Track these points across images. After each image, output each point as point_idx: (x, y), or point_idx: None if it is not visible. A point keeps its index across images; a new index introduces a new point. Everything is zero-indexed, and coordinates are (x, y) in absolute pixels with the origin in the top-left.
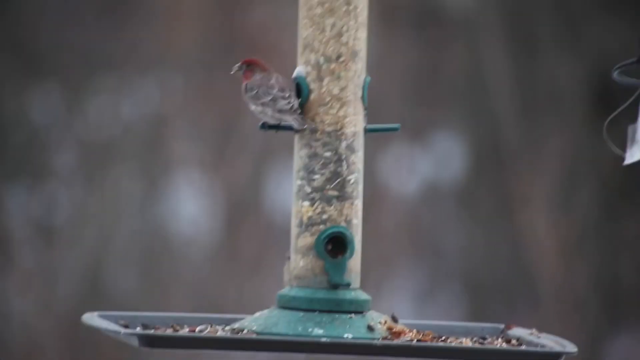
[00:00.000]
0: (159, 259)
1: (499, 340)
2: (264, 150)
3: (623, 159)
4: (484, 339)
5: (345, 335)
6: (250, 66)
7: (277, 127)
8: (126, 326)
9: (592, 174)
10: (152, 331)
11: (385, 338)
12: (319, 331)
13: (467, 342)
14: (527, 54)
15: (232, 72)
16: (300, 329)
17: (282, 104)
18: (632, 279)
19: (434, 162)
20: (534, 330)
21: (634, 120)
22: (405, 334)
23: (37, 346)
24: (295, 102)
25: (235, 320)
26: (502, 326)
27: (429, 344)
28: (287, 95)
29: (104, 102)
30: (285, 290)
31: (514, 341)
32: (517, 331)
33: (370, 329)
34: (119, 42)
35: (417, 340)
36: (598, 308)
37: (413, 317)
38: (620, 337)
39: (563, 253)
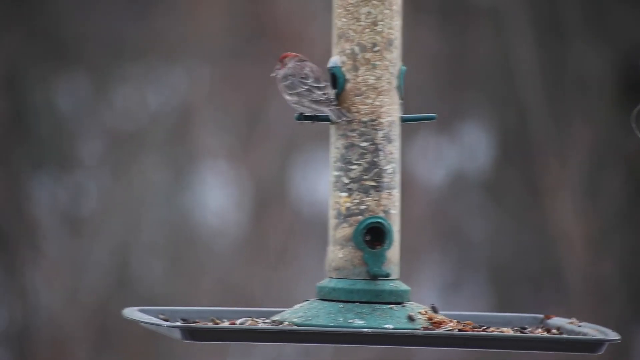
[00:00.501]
0: (186, 250)
1: (540, 329)
2: (291, 140)
3: None
4: (524, 328)
5: (386, 326)
6: (288, 57)
7: (313, 118)
8: (166, 320)
9: (619, 163)
10: (193, 324)
11: (426, 328)
12: (359, 322)
13: (507, 331)
14: (554, 41)
15: (273, 75)
16: (341, 320)
17: (317, 94)
18: None
19: (461, 151)
20: (573, 320)
21: None
22: (446, 324)
23: (64, 336)
24: (331, 93)
25: (273, 313)
26: (541, 316)
27: (470, 333)
28: (322, 85)
29: (131, 91)
30: (325, 282)
31: (554, 330)
32: (556, 321)
33: (410, 319)
34: (146, 31)
35: (458, 330)
36: (626, 298)
37: (441, 308)
38: None
39: (590, 242)
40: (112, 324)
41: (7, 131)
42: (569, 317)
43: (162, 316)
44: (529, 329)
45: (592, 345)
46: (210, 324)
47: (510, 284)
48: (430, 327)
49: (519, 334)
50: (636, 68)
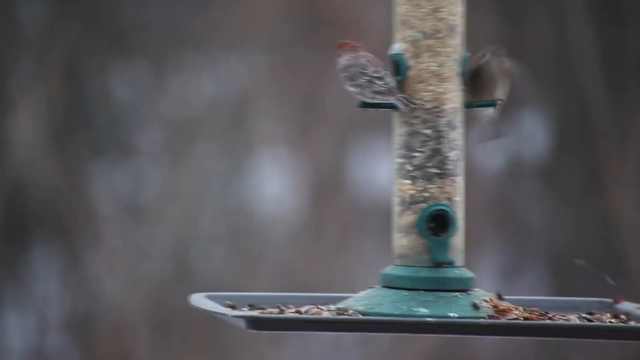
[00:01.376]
0: (246, 238)
1: (607, 315)
2: (349, 127)
3: None
4: (591, 314)
5: (451, 314)
6: (343, 48)
7: (376, 105)
8: (233, 307)
9: None
10: (258, 313)
11: (491, 316)
12: (423, 311)
13: (573, 319)
14: (613, 26)
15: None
16: (404, 308)
17: (378, 85)
18: None
19: (520, 138)
20: None
21: None
22: (511, 312)
23: (125, 324)
24: (391, 82)
25: (338, 299)
26: (609, 301)
27: (535, 322)
28: (382, 75)
29: (188, 80)
30: (389, 269)
31: (622, 316)
32: (625, 306)
33: (475, 307)
34: (203, 19)
35: (524, 319)
36: None
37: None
38: None
39: None
40: (173, 312)
41: (67, 120)
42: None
43: (229, 302)
44: (597, 315)
45: None
46: (275, 314)
47: (570, 272)
48: (495, 315)
49: (585, 322)
50: None
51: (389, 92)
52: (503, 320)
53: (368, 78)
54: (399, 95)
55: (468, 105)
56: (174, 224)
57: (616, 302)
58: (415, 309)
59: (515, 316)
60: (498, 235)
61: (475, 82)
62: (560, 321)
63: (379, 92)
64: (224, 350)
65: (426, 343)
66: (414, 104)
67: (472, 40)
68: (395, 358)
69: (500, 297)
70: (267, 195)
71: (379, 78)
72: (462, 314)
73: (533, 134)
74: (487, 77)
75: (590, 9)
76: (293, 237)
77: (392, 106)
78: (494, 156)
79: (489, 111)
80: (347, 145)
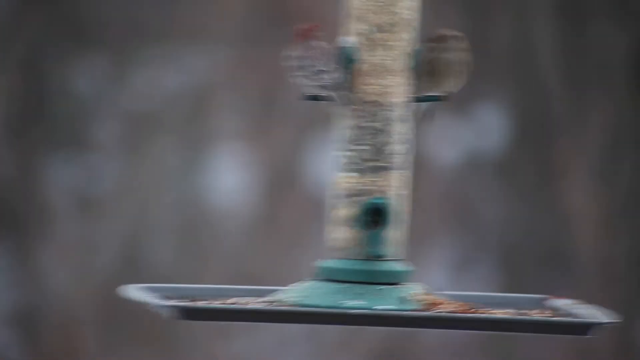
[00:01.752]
0: (199, 232)
1: (537, 311)
2: (306, 122)
3: None
4: (523, 310)
5: (380, 307)
6: (299, 35)
7: (318, 98)
8: (170, 299)
9: (635, 146)
10: (184, 303)
11: (420, 309)
12: (351, 303)
13: (498, 314)
14: (574, 24)
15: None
16: (332, 300)
17: (324, 78)
18: None
19: (477, 132)
20: (573, 301)
21: None
22: (440, 305)
23: (75, 318)
24: (339, 76)
25: (273, 291)
26: (542, 297)
27: (461, 314)
28: (330, 68)
29: (148, 73)
30: (323, 262)
31: (552, 312)
32: (557, 302)
33: (403, 300)
34: (164, 13)
35: (452, 311)
36: (636, 280)
37: (451, 289)
38: None
39: (604, 225)
40: (124, 306)
41: (25, 112)
42: (578, 299)
43: (166, 294)
44: (527, 311)
45: (581, 327)
46: (203, 303)
47: (523, 265)
48: (425, 308)
49: (508, 315)
50: None
51: (333, 86)
52: (426, 313)
53: (316, 70)
54: (343, 91)
55: (419, 100)
56: (128, 218)
57: (549, 298)
58: (343, 301)
59: (444, 309)
60: (451, 229)
61: (426, 74)
62: (482, 315)
63: (323, 86)
64: (173, 344)
65: (372, 338)
66: (352, 103)
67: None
68: (342, 352)
69: (432, 291)
70: (223, 189)
71: (326, 71)
72: (390, 307)
73: (490, 128)
74: (436, 69)
75: (552, 6)
76: (247, 231)
77: (334, 100)
78: (450, 150)
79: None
80: (304, 139)
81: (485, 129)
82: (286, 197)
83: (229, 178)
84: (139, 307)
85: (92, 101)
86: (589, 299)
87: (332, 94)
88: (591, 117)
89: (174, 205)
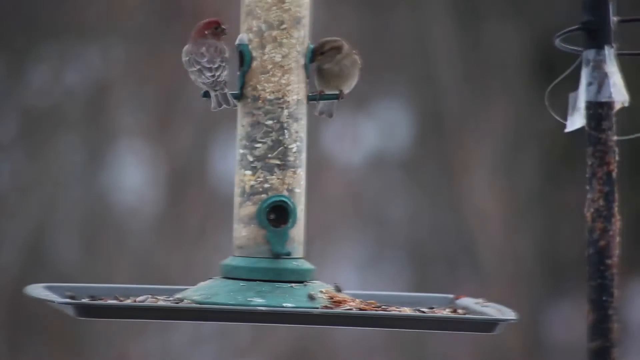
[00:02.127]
0: (102, 229)
1: (445, 310)
2: (208, 119)
3: (565, 127)
4: (432, 308)
5: (285, 305)
6: (199, 31)
7: (208, 95)
8: (72, 297)
9: (534, 142)
10: (86, 300)
11: (326, 307)
12: (259, 300)
13: (406, 311)
14: (470, 21)
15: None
16: (240, 298)
17: (206, 76)
18: (573, 246)
19: (378, 130)
20: (481, 300)
21: (576, 88)
22: (346, 303)
23: None
24: (222, 75)
25: (178, 291)
26: (451, 296)
27: (366, 312)
28: (215, 66)
29: (46, 70)
30: (228, 260)
31: (460, 310)
32: (465, 301)
33: (311, 298)
34: (61, 8)
35: (358, 309)
36: (540, 276)
37: (357, 286)
38: (562, 305)
39: (506, 221)
40: (27, 304)
41: None
42: (484, 295)
43: (68, 293)
44: (435, 309)
45: (486, 325)
46: (103, 301)
47: (428, 263)
48: (330, 305)
49: (414, 313)
50: (551, 48)
51: (212, 85)
52: (336, 310)
53: (199, 67)
54: (220, 91)
55: (312, 98)
56: (29, 216)
57: (457, 297)
58: (250, 299)
59: (350, 307)
60: (358, 227)
61: (319, 77)
62: (390, 312)
63: (204, 84)
64: (82, 344)
65: (283, 337)
66: (228, 104)
67: (334, 32)
68: (253, 351)
69: (338, 289)
70: (125, 187)
71: (209, 69)
72: (298, 304)
73: (391, 125)
74: (328, 76)
75: (448, 4)
76: (151, 229)
77: (221, 98)
78: (353, 148)
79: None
80: (207, 136)
81: (387, 127)
82: (189, 194)
83: (133, 175)
84: (46, 306)
85: None
86: (495, 296)
87: (211, 93)
88: (489, 114)
89: (77, 203)
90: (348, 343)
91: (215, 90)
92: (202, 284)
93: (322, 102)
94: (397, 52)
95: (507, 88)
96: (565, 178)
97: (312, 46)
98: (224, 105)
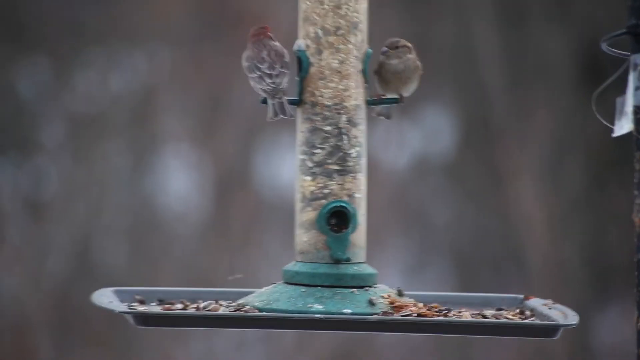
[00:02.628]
0: (148, 234)
1: (515, 311)
2: (254, 124)
3: (611, 131)
4: (500, 310)
5: (345, 310)
6: (254, 36)
7: (267, 101)
8: (142, 302)
9: (580, 147)
10: (144, 309)
11: (385, 313)
12: (318, 307)
13: (467, 316)
14: (515, 26)
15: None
16: (300, 304)
17: (266, 82)
18: (620, 251)
19: (423, 135)
20: (549, 301)
21: (623, 92)
22: (407, 308)
23: (26, 322)
24: (282, 82)
25: (244, 294)
26: (521, 297)
27: (425, 318)
28: (275, 73)
29: (92, 75)
30: (290, 266)
31: (528, 312)
32: (533, 302)
33: (371, 303)
34: (107, 14)
35: (418, 315)
36: (586, 281)
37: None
38: (609, 310)
39: (552, 226)
40: (75, 309)
41: None
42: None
43: (138, 297)
44: (504, 311)
45: (549, 330)
46: (162, 310)
47: (473, 267)
48: (391, 311)
49: (473, 319)
50: (598, 51)
51: (272, 92)
52: (392, 316)
53: (259, 74)
54: (278, 100)
55: (371, 103)
56: (76, 221)
57: (527, 298)
58: (310, 305)
59: (410, 312)
60: (402, 232)
61: (380, 77)
62: (449, 318)
63: (264, 91)
64: (127, 348)
65: (328, 340)
66: (284, 114)
67: (378, 37)
68: (298, 355)
69: (400, 294)
70: (171, 192)
71: (270, 75)
72: (357, 310)
73: (436, 130)
74: (390, 73)
75: (493, 8)
76: (197, 234)
77: (291, 102)
78: (398, 153)
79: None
80: (253, 141)
81: (432, 132)
82: (236, 199)
83: (178, 180)
84: (91, 310)
85: (36, 104)
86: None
87: (269, 101)
88: (535, 118)
89: (123, 208)
90: (392, 343)
91: (274, 99)
92: (265, 289)
93: (379, 107)
94: (441, 56)
95: (552, 92)
96: (613, 183)
97: (370, 51)
98: (280, 116)
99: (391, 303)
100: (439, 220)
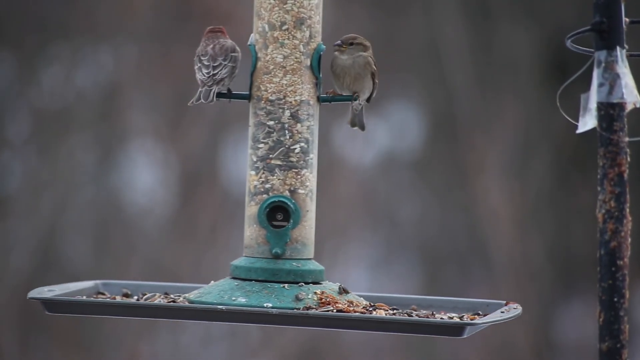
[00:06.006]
0: (114, 229)
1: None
2: (219, 121)
3: (576, 128)
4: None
5: (265, 305)
6: (208, 32)
7: (228, 95)
8: (127, 295)
9: (545, 143)
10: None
11: (307, 308)
12: (241, 300)
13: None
14: (482, 23)
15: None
16: (225, 298)
17: (202, 73)
18: (584, 247)
19: (390, 131)
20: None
21: (587, 89)
22: (332, 305)
23: None
24: (221, 72)
25: (195, 289)
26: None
27: (334, 314)
28: (215, 64)
29: (58, 71)
30: (236, 260)
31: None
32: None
33: (297, 298)
34: (73, 11)
35: (338, 311)
36: (551, 276)
37: (370, 286)
38: (573, 305)
39: (517, 222)
40: (39, 305)
41: None
42: (495, 295)
43: (125, 290)
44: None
45: (453, 328)
46: (68, 298)
47: (439, 263)
48: (314, 307)
49: (382, 316)
50: (562, 49)
51: (206, 81)
52: (294, 311)
53: (199, 65)
54: (206, 87)
55: (324, 100)
56: (41, 216)
57: (507, 304)
58: (234, 298)
59: (332, 308)
60: (369, 227)
61: (333, 73)
62: (364, 314)
63: (201, 80)
64: (92, 344)
65: (293, 338)
66: (206, 99)
67: (344, 34)
68: (264, 350)
69: (343, 291)
70: (137, 187)
71: (207, 67)
72: (280, 305)
73: (404, 127)
74: (340, 68)
75: (460, 6)
76: (162, 229)
77: (243, 97)
78: (364, 149)
79: (355, 102)
80: (218, 137)
81: (399, 129)
82: (200, 194)
83: (144, 175)
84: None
85: (0, 99)
86: (505, 297)
87: (206, 86)
88: (501, 115)
89: (89, 204)
90: (357, 343)
91: (202, 86)
92: (213, 283)
93: (352, 114)
94: (408, 53)
95: (518, 89)
96: (577, 179)
97: (323, 47)
98: (201, 101)
99: (320, 299)
100: (405, 215)
